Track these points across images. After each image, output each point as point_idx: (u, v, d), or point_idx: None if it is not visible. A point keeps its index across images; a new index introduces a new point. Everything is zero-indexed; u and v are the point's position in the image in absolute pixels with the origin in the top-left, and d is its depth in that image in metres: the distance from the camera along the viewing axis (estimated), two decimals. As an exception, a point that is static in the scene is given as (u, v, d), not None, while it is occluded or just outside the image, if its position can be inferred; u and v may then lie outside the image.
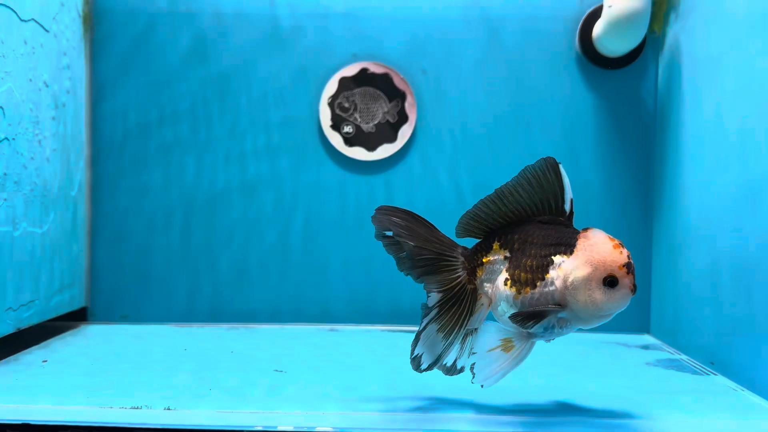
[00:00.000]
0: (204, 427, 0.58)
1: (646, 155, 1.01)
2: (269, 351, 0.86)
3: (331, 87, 1.02)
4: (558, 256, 0.57)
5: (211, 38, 1.02)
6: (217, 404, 0.63)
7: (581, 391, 0.70)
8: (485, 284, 0.61)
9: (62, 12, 0.92)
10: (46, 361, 0.78)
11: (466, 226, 0.62)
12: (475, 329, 0.62)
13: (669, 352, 0.89)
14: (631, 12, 0.91)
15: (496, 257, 0.60)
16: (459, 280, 0.61)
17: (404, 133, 1.02)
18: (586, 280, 0.55)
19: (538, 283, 0.57)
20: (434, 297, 0.62)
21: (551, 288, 0.56)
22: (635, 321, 1.00)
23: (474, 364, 0.60)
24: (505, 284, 0.59)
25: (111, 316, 1.02)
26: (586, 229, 0.57)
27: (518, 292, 0.58)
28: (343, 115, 1.02)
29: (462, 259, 0.62)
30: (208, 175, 1.03)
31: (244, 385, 0.69)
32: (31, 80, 0.83)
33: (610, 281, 0.55)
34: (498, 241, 0.61)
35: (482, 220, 0.61)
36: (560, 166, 0.58)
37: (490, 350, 0.60)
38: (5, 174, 0.77)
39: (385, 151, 1.02)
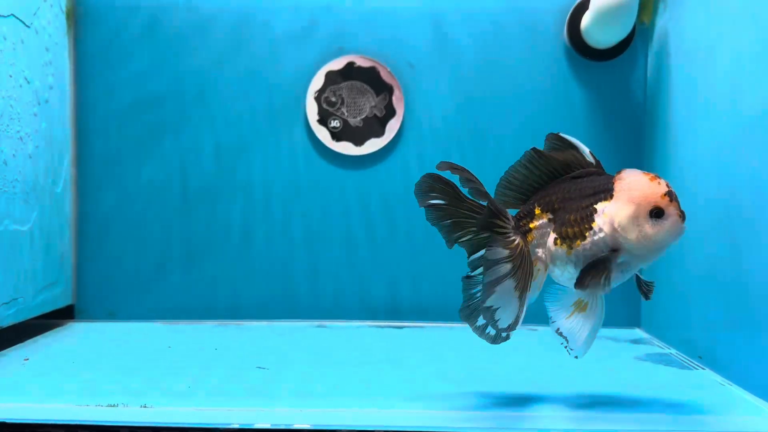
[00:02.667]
0: (179, 424, 0.57)
1: (636, 147, 1.00)
2: (254, 348, 0.85)
3: (318, 81, 1.01)
4: (599, 203, 0.58)
5: (196, 33, 1.01)
6: (194, 402, 0.62)
7: (569, 386, 0.69)
8: (537, 250, 0.61)
9: (44, 7, 0.91)
10: (27, 359, 0.77)
11: (501, 196, 0.62)
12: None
13: (659, 347, 0.88)
14: (619, 3, 0.90)
15: (541, 222, 0.60)
16: (517, 243, 0.59)
17: (392, 127, 1.01)
18: (633, 218, 0.56)
19: (587, 234, 0.58)
20: (501, 251, 0.57)
21: (601, 235, 0.57)
22: (626, 315, 0.99)
23: (562, 335, 0.60)
24: (555, 244, 0.59)
25: (98, 313, 1.02)
26: (619, 172, 0.59)
27: (569, 247, 0.59)
28: (330, 109, 1.01)
29: (512, 223, 0.60)
30: (195, 171, 1.02)
31: (224, 383, 0.69)
32: (11, 76, 0.82)
33: (656, 213, 0.56)
34: (538, 206, 0.61)
35: (517, 187, 0.62)
36: (560, 134, 0.61)
37: (568, 317, 0.60)
38: (-16, 171, 0.76)
39: (372, 145, 1.01)
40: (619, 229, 0.57)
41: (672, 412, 0.62)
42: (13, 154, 0.83)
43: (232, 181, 1.02)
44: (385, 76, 1.01)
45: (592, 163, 0.60)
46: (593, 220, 0.58)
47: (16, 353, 0.80)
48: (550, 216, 0.60)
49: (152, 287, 1.02)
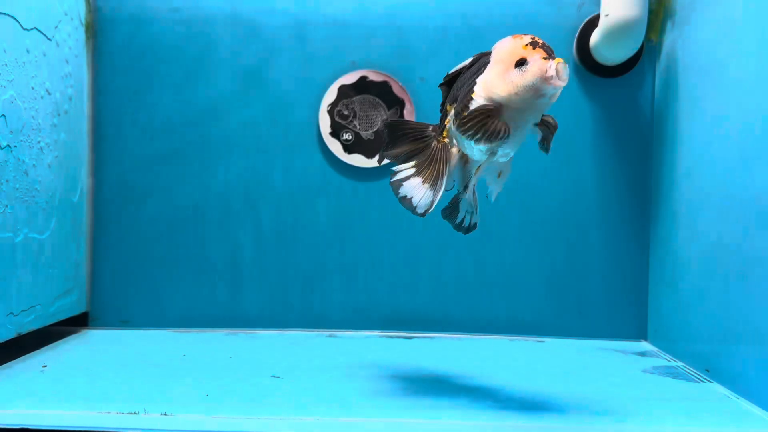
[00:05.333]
0: (199, 432, 0.58)
1: (643, 162, 1.01)
2: (267, 357, 0.86)
3: (331, 95, 1.02)
4: (479, 77, 0.61)
5: (212, 46, 1.03)
6: (212, 409, 0.63)
7: (577, 398, 0.70)
8: (453, 139, 0.66)
9: (65, 21, 0.93)
10: (45, 366, 0.79)
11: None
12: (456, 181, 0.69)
13: (665, 359, 0.89)
14: (628, 21, 0.92)
15: (450, 114, 0.66)
16: (430, 143, 0.67)
17: (403, 140, 1.02)
18: (500, 75, 0.59)
19: (470, 105, 0.61)
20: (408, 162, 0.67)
21: (479, 101, 0.61)
22: (632, 328, 1.00)
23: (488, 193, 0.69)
24: (453, 124, 0.64)
25: (112, 321, 1.03)
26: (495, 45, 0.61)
27: (460, 120, 0.62)
28: (343, 122, 1.03)
29: (430, 130, 0.68)
30: (209, 181, 1.03)
31: (241, 391, 0.70)
32: (33, 88, 0.84)
33: (519, 62, 0.58)
34: (447, 102, 0.67)
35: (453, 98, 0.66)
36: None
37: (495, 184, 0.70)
38: (7, 181, 0.78)
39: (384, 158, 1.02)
40: (491, 88, 0.59)
41: (678, 425, 0.63)
42: (34, 164, 0.85)
43: (246, 191, 1.03)
44: (396, 90, 1.02)
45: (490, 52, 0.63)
46: (473, 92, 0.61)
47: (35, 360, 0.82)
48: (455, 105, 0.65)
49: (165, 296, 1.04)
